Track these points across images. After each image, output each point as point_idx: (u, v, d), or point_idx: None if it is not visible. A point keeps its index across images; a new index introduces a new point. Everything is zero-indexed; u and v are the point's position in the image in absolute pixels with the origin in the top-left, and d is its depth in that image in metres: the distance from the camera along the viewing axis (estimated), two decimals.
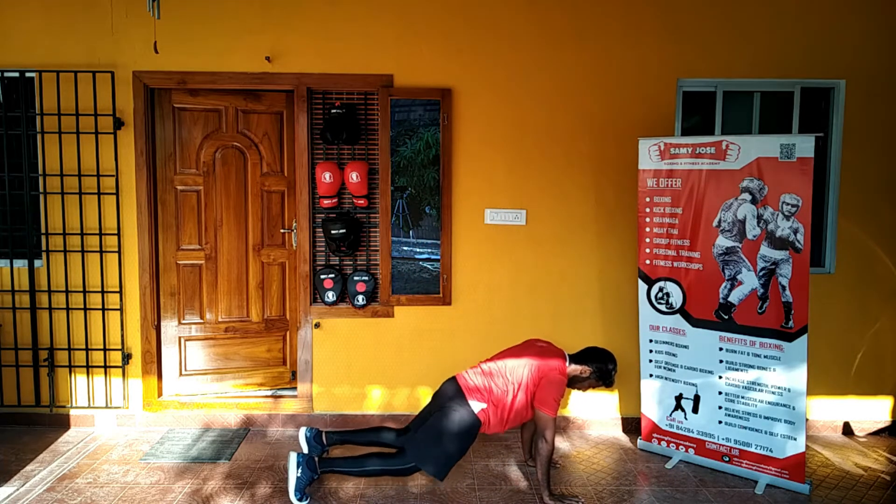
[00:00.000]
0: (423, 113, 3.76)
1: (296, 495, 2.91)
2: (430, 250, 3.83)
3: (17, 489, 3.08)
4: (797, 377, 3.12)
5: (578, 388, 3.19)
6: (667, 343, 3.50)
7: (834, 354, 3.84)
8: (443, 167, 3.77)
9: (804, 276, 3.07)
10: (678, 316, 3.45)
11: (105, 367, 3.81)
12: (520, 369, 3.03)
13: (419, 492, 3.10)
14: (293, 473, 2.92)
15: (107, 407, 3.84)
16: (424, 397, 3.82)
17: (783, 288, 3.12)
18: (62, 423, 3.84)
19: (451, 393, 3.05)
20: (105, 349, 3.80)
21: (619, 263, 3.83)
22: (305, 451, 3.18)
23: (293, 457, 2.96)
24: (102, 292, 3.77)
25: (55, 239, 3.76)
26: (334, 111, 3.69)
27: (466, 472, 3.31)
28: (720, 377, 3.34)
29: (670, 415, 3.51)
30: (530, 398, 3.01)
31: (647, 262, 3.53)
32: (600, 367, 3.09)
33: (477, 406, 2.97)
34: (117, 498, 3.01)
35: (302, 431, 3.24)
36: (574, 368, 3.10)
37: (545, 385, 2.97)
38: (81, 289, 3.77)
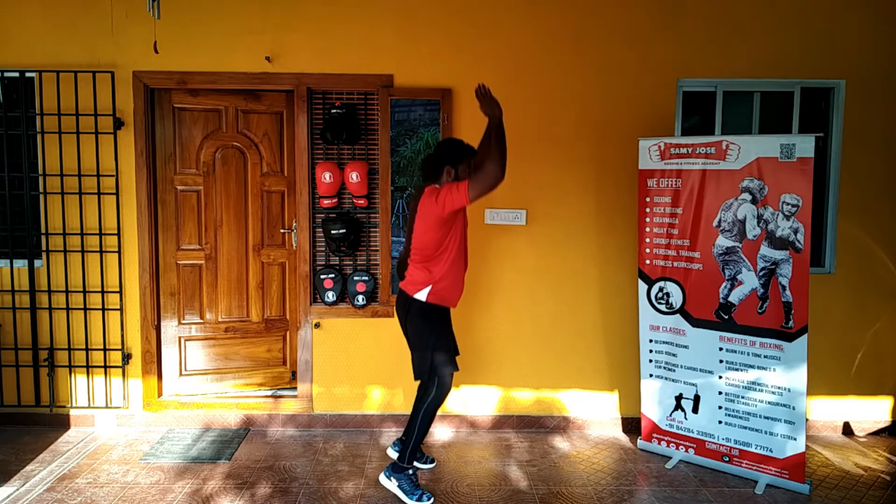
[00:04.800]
0: (423, 113, 3.76)
1: (411, 498, 2.94)
2: None
3: (17, 489, 3.08)
4: (797, 377, 3.12)
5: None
6: (667, 343, 3.50)
7: (834, 354, 3.84)
8: None
9: (804, 276, 3.07)
10: (678, 316, 3.45)
11: (105, 367, 3.81)
12: (424, 230, 2.94)
13: None
14: (394, 489, 2.99)
15: (107, 407, 3.84)
16: None
17: (783, 288, 3.12)
18: (62, 423, 3.84)
19: (401, 302, 3.06)
20: (105, 349, 3.80)
21: (619, 263, 3.83)
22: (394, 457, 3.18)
23: (382, 477, 3.05)
24: (102, 292, 3.77)
25: (55, 239, 3.76)
26: (334, 111, 3.69)
27: (467, 472, 3.32)
28: (720, 377, 3.34)
29: (670, 415, 3.51)
30: (448, 230, 2.95)
31: (647, 262, 3.53)
32: (451, 157, 2.96)
33: (423, 295, 2.96)
34: (117, 498, 3.01)
35: (389, 450, 3.39)
36: (444, 182, 2.95)
37: (443, 199, 2.83)
38: (81, 289, 3.77)
